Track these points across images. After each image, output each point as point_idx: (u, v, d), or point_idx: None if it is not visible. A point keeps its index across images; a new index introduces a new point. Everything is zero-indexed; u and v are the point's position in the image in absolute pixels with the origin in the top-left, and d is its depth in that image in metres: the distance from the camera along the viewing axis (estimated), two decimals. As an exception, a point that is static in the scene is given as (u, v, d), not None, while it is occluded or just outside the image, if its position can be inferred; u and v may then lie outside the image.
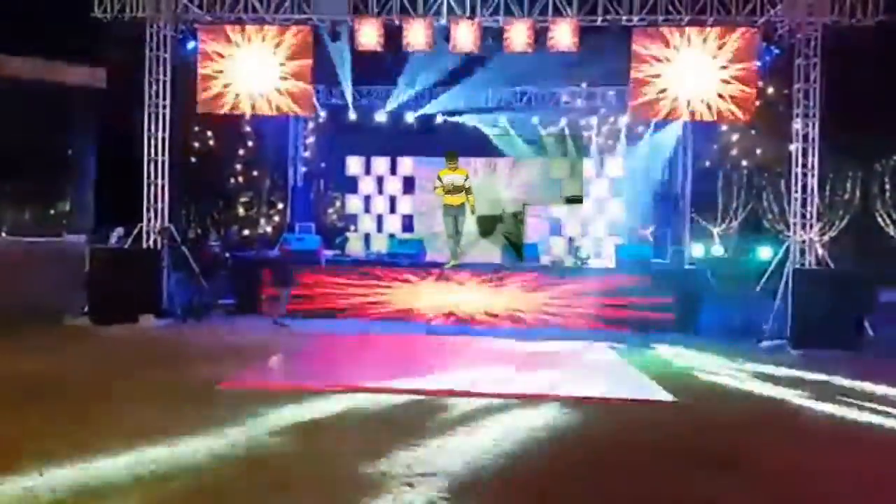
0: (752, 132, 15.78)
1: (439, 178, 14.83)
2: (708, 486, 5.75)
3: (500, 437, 6.81)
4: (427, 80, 16.48)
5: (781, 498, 5.62)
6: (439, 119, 18.40)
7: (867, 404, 8.67)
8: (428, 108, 17.83)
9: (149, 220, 14.10)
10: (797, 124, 13.19)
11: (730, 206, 16.17)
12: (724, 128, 16.02)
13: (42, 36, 16.12)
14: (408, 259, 14.96)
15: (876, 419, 7.94)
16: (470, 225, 15.61)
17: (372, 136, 18.53)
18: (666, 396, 8.53)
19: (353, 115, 18.20)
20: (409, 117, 18.22)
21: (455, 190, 14.72)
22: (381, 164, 19.03)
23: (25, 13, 15.65)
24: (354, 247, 18.10)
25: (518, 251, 15.51)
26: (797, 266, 12.98)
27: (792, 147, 13.32)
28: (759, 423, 7.67)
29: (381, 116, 18.17)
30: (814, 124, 13.07)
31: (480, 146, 18.48)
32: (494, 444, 6.57)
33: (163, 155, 14.15)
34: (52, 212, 18.65)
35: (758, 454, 6.54)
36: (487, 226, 16.80)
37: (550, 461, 6.21)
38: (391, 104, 17.77)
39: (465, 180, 14.74)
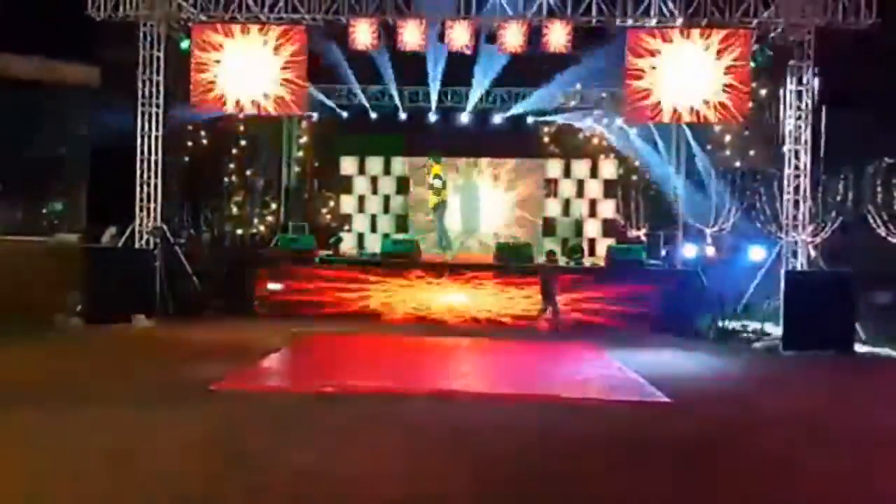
0: (745, 133, 15.80)
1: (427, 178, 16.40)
2: (706, 485, 5.76)
3: (493, 437, 6.82)
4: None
5: (779, 497, 5.64)
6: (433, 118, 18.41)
7: (862, 405, 8.71)
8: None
9: (141, 220, 14.06)
10: (790, 126, 13.24)
11: (722, 207, 16.16)
12: (718, 129, 16.05)
13: (35, 34, 16.02)
14: (401, 259, 14.95)
15: (871, 420, 7.98)
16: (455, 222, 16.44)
17: (365, 135, 18.58)
18: (662, 397, 8.54)
19: (346, 115, 18.21)
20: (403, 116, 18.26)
21: (432, 189, 16.06)
22: (374, 163, 19.01)
23: (18, 11, 15.55)
24: (348, 246, 18.09)
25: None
26: (789, 267, 13.02)
27: (785, 148, 13.36)
28: (754, 424, 7.69)
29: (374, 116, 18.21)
30: (806, 126, 13.12)
31: (476, 145, 18.49)
32: (489, 444, 6.58)
33: (156, 154, 14.11)
34: (44, 211, 18.56)
35: (755, 454, 6.56)
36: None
37: (546, 462, 6.21)
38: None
39: (435, 179, 15.97)
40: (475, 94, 17.15)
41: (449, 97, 17.98)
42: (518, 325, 14.03)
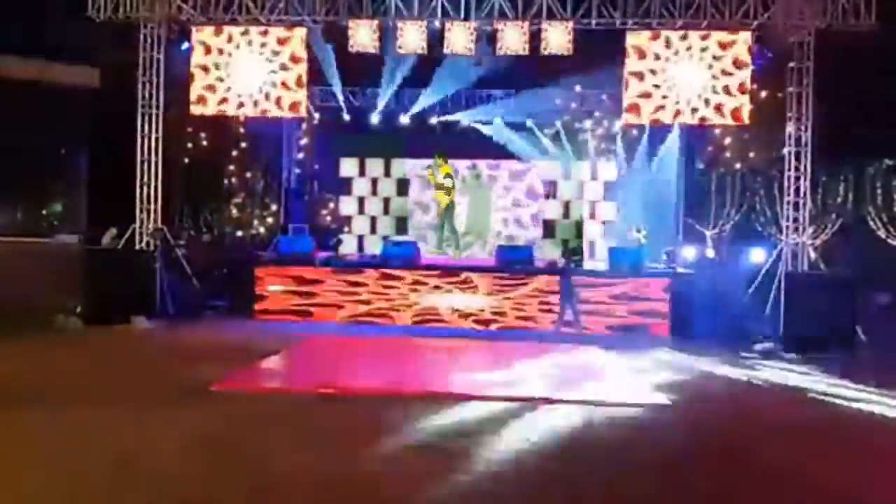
0: (745, 135, 15.80)
1: (432, 176, 16.20)
2: (706, 484, 5.76)
3: (496, 439, 6.81)
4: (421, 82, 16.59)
5: (778, 496, 5.64)
6: (433, 120, 18.43)
7: (859, 405, 8.71)
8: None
9: (141, 222, 14.06)
10: (790, 127, 13.24)
11: (722, 210, 16.17)
12: (717, 131, 16.05)
13: (35, 35, 16.05)
14: (401, 261, 14.94)
15: (868, 420, 7.98)
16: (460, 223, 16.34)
17: (366, 137, 18.61)
18: (662, 399, 8.55)
19: (346, 117, 18.22)
20: (404, 119, 18.29)
21: (440, 188, 15.90)
22: (375, 165, 19.00)
23: (18, 12, 15.57)
24: (348, 248, 18.07)
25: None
26: (789, 269, 13.02)
27: (785, 150, 13.36)
28: (753, 425, 7.69)
29: (375, 118, 18.23)
30: (806, 127, 13.13)
31: (478, 147, 18.51)
32: (490, 446, 6.57)
33: (156, 156, 14.12)
34: (44, 212, 18.57)
35: (753, 454, 6.56)
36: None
37: (545, 463, 6.21)
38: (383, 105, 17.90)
39: (445, 178, 15.98)
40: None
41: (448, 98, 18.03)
42: (517, 326, 14.02)
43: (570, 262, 14.00)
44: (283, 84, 13.84)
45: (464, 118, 18.40)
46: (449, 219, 15.88)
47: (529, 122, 18.68)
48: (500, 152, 18.67)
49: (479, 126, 18.59)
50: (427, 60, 14.39)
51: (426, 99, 17.85)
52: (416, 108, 18.08)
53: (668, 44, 13.33)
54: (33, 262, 14.01)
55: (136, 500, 5.18)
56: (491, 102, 18.13)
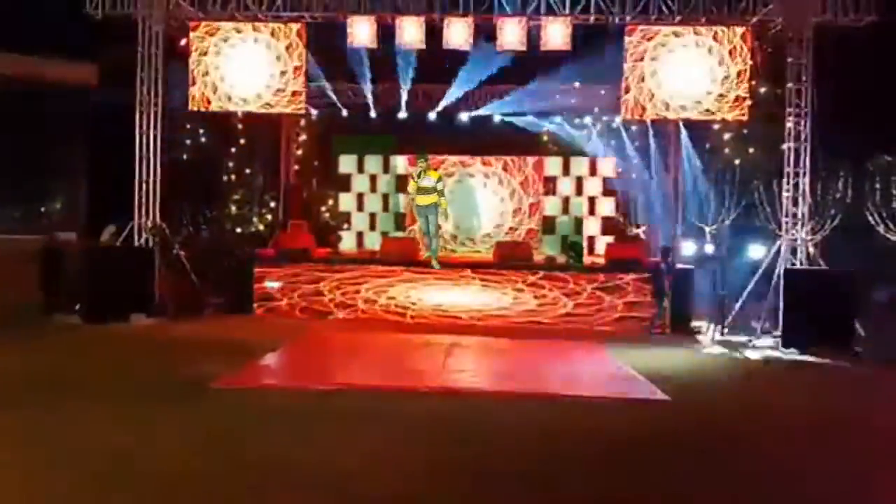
0: (745, 131, 15.78)
1: (412, 178, 15.10)
2: (705, 482, 5.76)
3: (494, 434, 6.82)
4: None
5: (777, 494, 5.64)
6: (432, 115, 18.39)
7: (858, 402, 8.72)
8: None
9: (140, 218, 14.05)
10: (789, 123, 13.23)
11: (721, 205, 16.13)
12: (717, 126, 16.03)
13: (33, 32, 16.00)
14: (401, 257, 14.92)
15: (872, 419, 7.98)
16: (444, 226, 15.86)
17: (365, 133, 18.57)
18: (661, 395, 8.55)
19: (345, 113, 18.19)
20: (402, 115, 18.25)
21: (424, 190, 14.83)
22: (373, 162, 18.96)
23: (16, 9, 15.52)
24: (347, 245, 18.05)
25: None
26: (788, 265, 13.02)
27: (784, 146, 13.36)
28: (754, 422, 7.70)
29: (373, 114, 18.20)
30: (806, 123, 13.12)
31: (474, 143, 18.45)
32: (489, 441, 6.57)
33: (155, 153, 14.10)
34: (42, 209, 18.53)
35: (753, 452, 6.57)
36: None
37: (546, 459, 6.21)
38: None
39: (437, 182, 14.88)
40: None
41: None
42: (518, 322, 14.01)
43: (669, 258, 13.79)
44: (282, 80, 13.83)
45: (461, 113, 18.35)
46: (432, 223, 15.04)
47: (528, 117, 18.62)
48: (498, 148, 18.61)
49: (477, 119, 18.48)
50: (426, 55, 14.33)
51: (424, 94, 17.79)
52: (412, 104, 18.01)
53: (666, 40, 13.32)
54: (32, 259, 13.97)
55: (134, 497, 5.18)
56: (490, 98, 18.07)
